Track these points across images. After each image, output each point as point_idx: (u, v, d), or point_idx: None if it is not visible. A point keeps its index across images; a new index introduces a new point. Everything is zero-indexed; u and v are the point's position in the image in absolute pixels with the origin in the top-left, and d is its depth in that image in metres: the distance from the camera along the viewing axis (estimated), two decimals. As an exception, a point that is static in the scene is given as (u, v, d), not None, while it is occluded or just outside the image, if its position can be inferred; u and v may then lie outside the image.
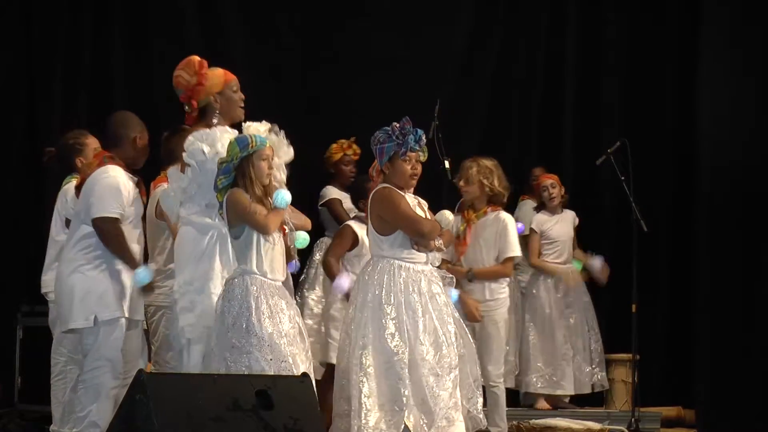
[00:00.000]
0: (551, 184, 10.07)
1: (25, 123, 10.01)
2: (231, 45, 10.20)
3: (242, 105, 6.93)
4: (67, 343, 7.46)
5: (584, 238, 10.22)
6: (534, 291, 10.04)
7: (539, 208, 10.20)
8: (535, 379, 9.90)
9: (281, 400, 5.95)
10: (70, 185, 7.47)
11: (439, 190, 9.23)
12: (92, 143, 7.30)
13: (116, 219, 6.76)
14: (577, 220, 10.14)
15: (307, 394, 6.15)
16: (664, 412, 10.21)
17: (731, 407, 10.50)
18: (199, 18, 10.43)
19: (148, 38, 10.31)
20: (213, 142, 6.64)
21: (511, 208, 10.45)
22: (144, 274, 6.76)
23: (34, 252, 9.78)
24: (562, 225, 10.06)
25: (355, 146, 9.79)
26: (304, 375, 6.27)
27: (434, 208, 9.85)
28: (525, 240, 10.38)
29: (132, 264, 6.80)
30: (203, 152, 6.62)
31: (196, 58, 7.05)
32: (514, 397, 10.23)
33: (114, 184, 6.77)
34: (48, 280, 7.53)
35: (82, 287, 6.72)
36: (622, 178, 9.52)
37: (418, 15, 11.00)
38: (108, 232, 6.74)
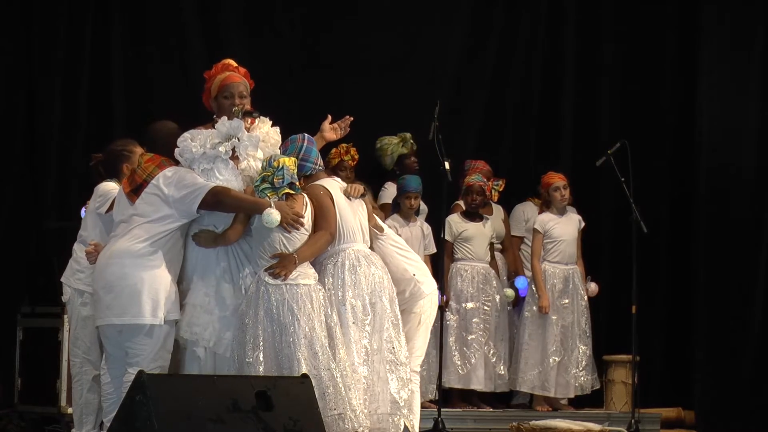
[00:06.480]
0: (563, 185, 10.04)
1: (24, 123, 10.00)
2: (230, 46, 10.19)
3: (235, 109, 6.88)
4: (81, 344, 7.43)
5: (584, 240, 10.22)
6: (533, 290, 10.03)
7: (544, 207, 10.19)
8: (529, 378, 9.91)
9: (281, 401, 5.96)
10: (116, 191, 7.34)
11: (439, 191, 9.25)
12: (139, 151, 7.23)
13: (218, 186, 6.66)
14: (582, 224, 10.12)
15: (307, 394, 6.16)
16: (663, 413, 10.23)
17: (730, 408, 10.52)
18: (199, 18, 10.43)
19: (148, 38, 10.31)
20: (203, 142, 6.70)
21: (510, 209, 10.53)
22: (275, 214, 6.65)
23: (34, 252, 9.82)
24: (566, 225, 10.04)
25: (353, 151, 9.84)
26: (304, 376, 6.28)
27: (434, 208, 9.95)
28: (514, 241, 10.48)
29: (262, 207, 6.63)
30: (191, 150, 6.71)
31: (224, 61, 7.05)
32: (508, 398, 10.28)
33: (190, 171, 6.75)
34: None
35: (152, 283, 6.57)
36: (622, 179, 9.51)
37: (416, 16, 11.00)
38: (224, 195, 6.63)
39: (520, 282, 10.08)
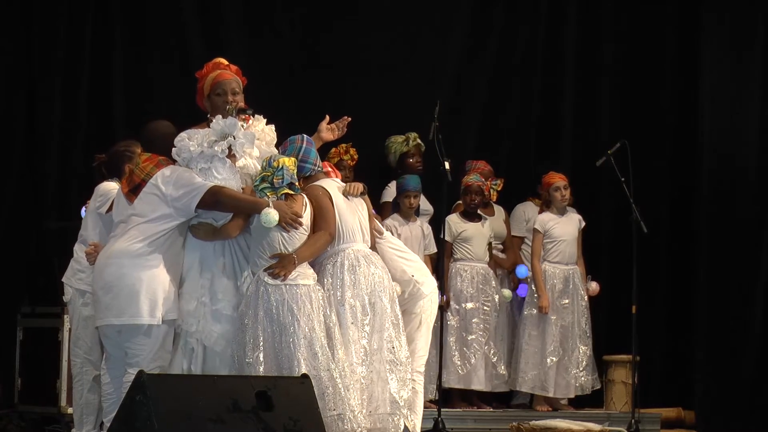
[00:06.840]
0: (564, 185, 10.04)
1: (24, 123, 10.00)
2: (230, 46, 10.20)
3: (229, 107, 6.88)
4: (82, 344, 7.45)
5: (584, 240, 10.21)
6: (533, 290, 10.02)
7: (544, 207, 10.18)
8: (529, 378, 9.90)
9: (281, 401, 5.96)
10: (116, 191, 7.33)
11: (439, 191, 9.25)
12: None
13: (216, 185, 6.65)
14: (583, 224, 10.11)
15: (307, 394, 6.16)
16: (664, 413, 10.23)
17: (730, 408, 10.52)
18: (199, 18, 10.43)
19: (148, 38, 10.31)
20: (200, 141, 6.70)
21: (510, 209, 10.53)
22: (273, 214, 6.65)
23: (34, 252, 9.82)
24: (566, 225, 10.03)
25: (352, 151, 9.84)
26: (304, 376, 6.28)
27: (435, 208, 9.95)
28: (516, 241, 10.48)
29: (260, 206, 6.64)
30: (189, 150, 6.71)
31: (215, 60, 7.04)
32: (508, 398, 10.28)
33: (188, 171, 6.73)
34: None
35: (150, 283, 6.57)
36: (622, 179, 9.51)
37: (416, 16, 11.00)
38: (222, 195, 6.63)
39: (521, 271, 10.07)
